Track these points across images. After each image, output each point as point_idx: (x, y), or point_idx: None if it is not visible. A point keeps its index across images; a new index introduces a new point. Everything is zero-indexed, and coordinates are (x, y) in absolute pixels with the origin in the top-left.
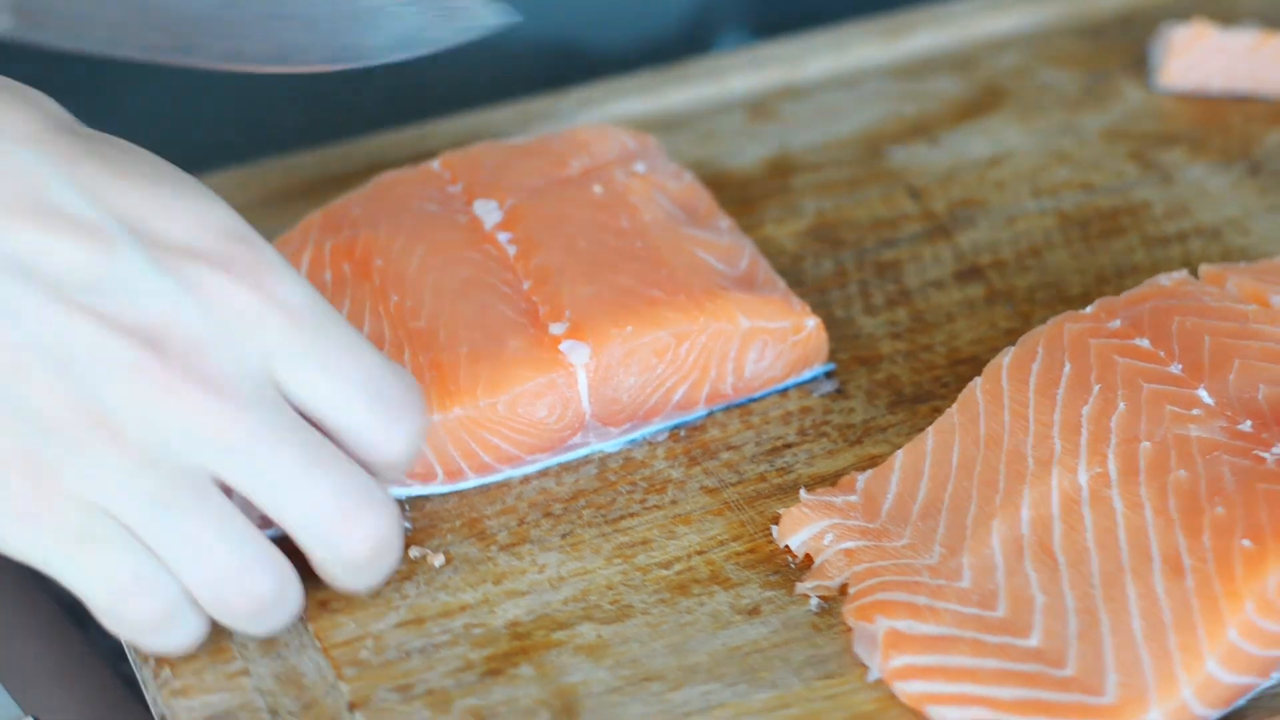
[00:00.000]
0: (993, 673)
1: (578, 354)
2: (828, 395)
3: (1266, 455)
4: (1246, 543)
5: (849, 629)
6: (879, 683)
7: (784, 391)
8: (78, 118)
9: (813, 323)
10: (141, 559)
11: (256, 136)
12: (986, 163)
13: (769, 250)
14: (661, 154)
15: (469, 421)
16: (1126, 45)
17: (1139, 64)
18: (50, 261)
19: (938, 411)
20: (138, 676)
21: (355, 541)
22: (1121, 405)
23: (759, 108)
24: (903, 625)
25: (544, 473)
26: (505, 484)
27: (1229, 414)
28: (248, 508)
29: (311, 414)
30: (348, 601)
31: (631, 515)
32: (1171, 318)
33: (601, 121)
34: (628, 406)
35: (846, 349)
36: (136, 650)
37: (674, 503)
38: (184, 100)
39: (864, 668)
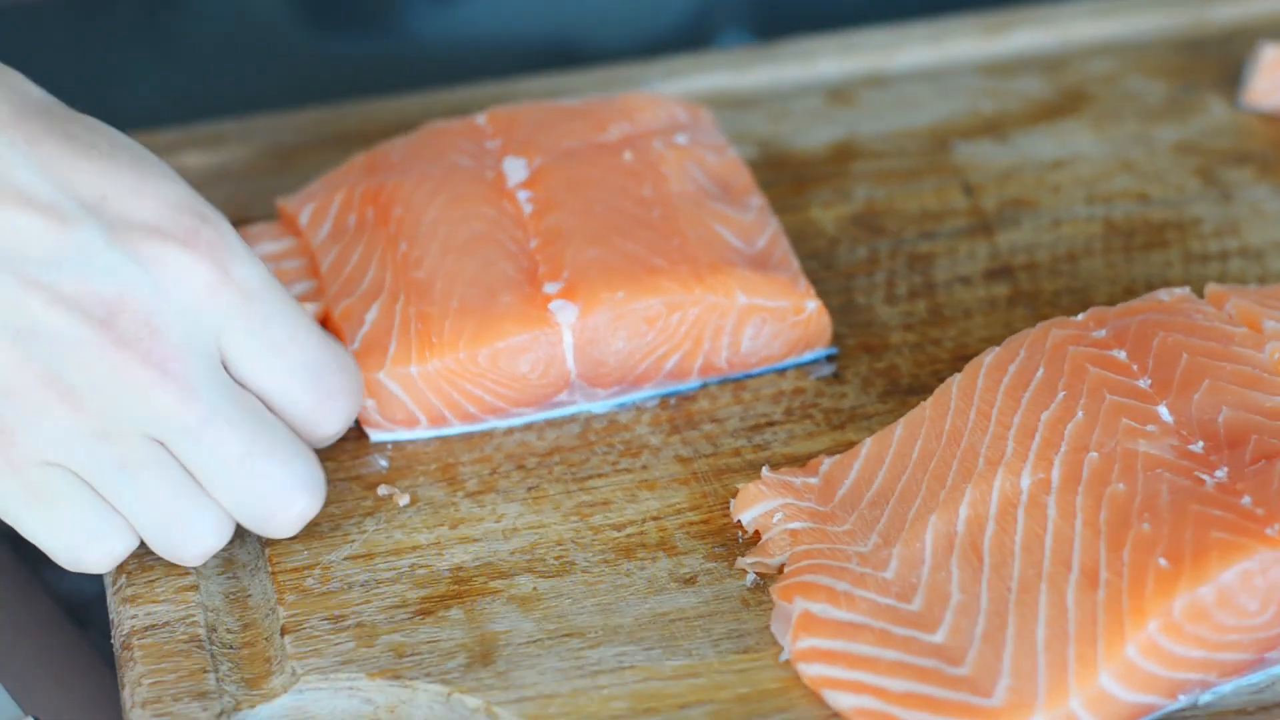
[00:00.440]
0: (890, 664)
1: (565, 313)
2: (824, 379)
3: (1208, 478)
4: (1163, 561)
5: (773, 607)
6: (789, 663)
7: (781, 371)
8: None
9: (813, 305)
10: (99, 512)
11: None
12: (1049, 165)
13: (809, 232)
14: (714, 128)
15: (448, 373)
16: (1224, 61)
17: (1231, 81)
18: (8, 238)
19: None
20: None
21: (285, 522)
22: (1080, 414)
23: (839, 93)
24: (817, 609)
25: (528, 427)
26: (488, 434)
27: (1183, 433)
28: None
29: (254, 389)
30: (306, 533)
31: (600, 475)
32: (1155, 332)
33: (683, 93)
34: (615, 370)
35: (856, 335)
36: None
37: (644, 468)
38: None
39: (780, 647)
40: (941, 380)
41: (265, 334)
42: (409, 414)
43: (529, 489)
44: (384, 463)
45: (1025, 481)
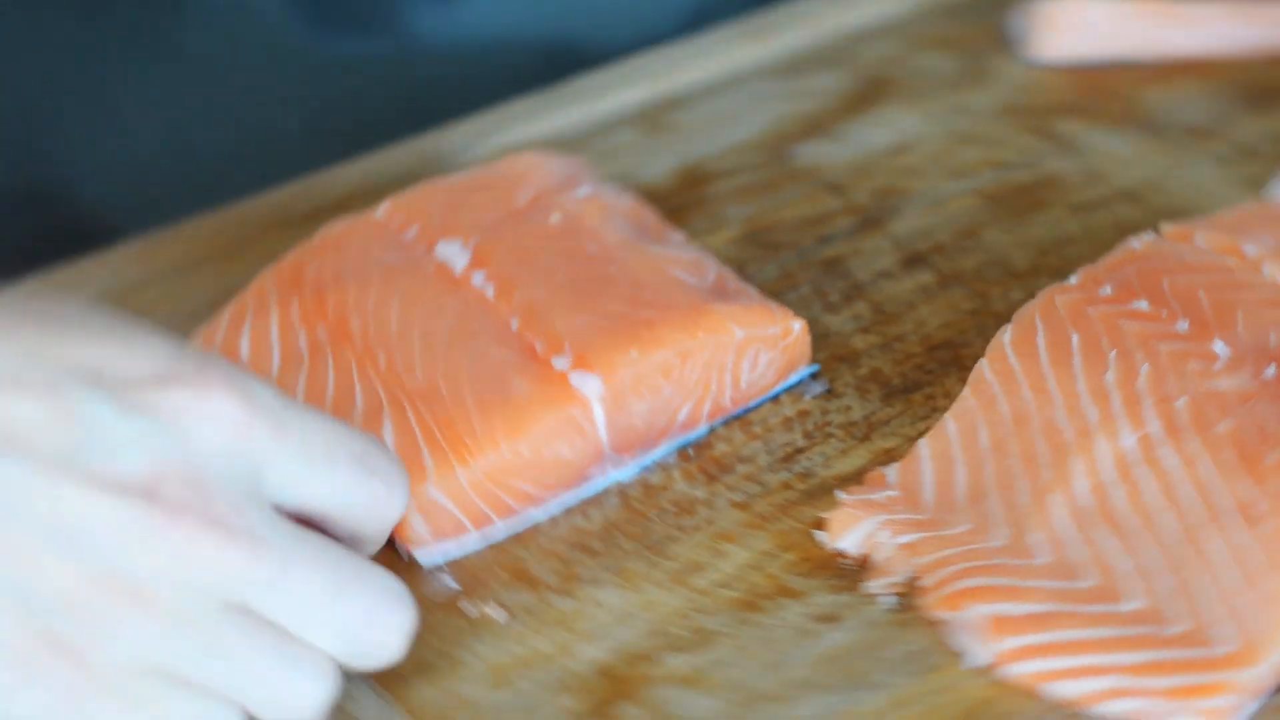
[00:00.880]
0: (1108, 641)
1: (589, 385)
2: (819, 396)
3: None
4: None
5: (932, 621)
6: (985, 668)
7: (775, 398)
8: None
9: (799, 325)
10: (201, 703)
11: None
12: (893, 151)
13: None
14: (593, 175)
15: (493, 471)
16: (988, 24)
17: (1004, 41)
18: (21, 434)
19: (931, 399)
20: None
21: (393, 644)
22: (1145, 367)
23: (650, 120)
24: (1001, 609)
25: (568, 511)
26: (534, 528)
27: (1250, 362)
28: None
29: (310, 511)
30: (421, 671)
31: (672, 540)
32: (1160, 278)
33: (496, 152)
34: (641, 432)
35: (821, 349)
36: None
37: (709, 522)
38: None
39: (962, 656)
40: (928, 372)
41: (307, 451)
42: (457, 524)
43: (612, 570)
44: (452, 583)
45: (1128, 441)
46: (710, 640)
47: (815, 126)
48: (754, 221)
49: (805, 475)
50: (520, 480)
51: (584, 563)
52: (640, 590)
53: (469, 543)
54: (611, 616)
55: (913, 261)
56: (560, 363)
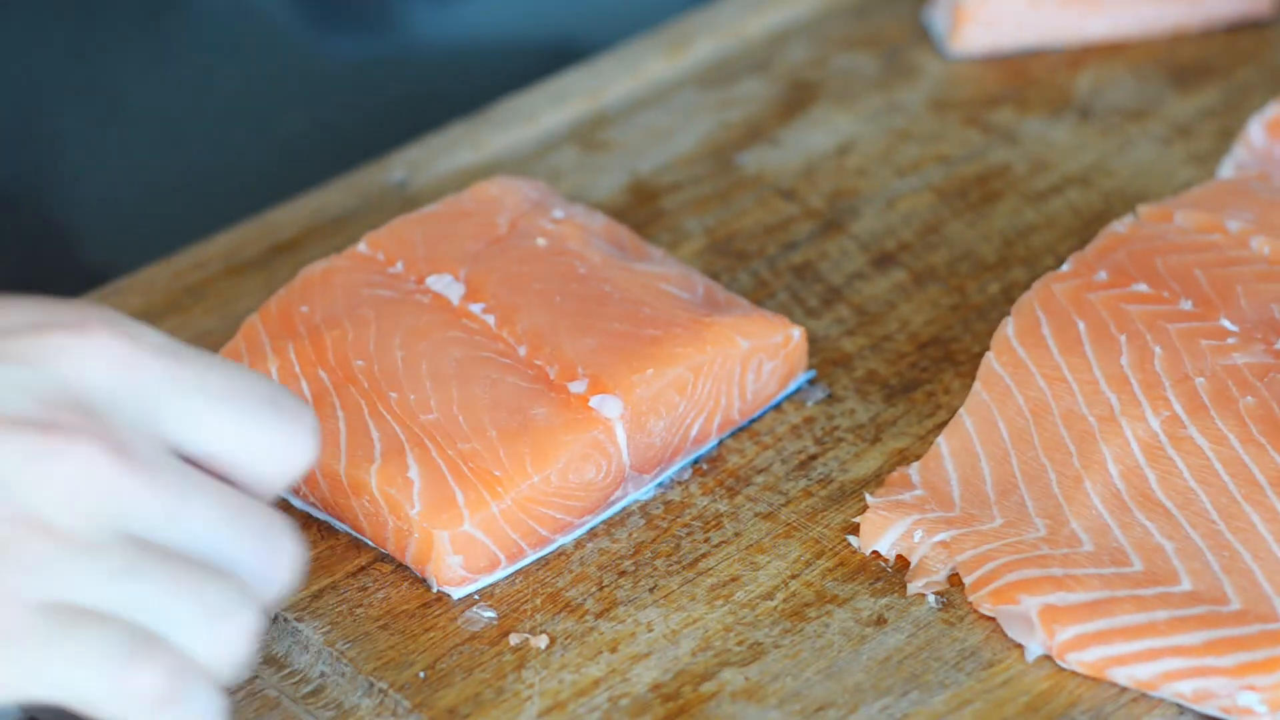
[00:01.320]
0: (1168, 622)
1: (610, 407)
2: (821, 402)
3: None
4: None
5: (982, 616)
6: (1043, 659)
7: (778, 407)
8: None
9: (798, 333)
10: (126, 629)
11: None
12: (836, 153)
13: None
14: (559, 197)
15: (524, 501)
16: (901, 20)
17: (919, 36)
18: None
19: (932, 396)
20: None
21: (283, 581)
22: (1157, 349)
23: (587, 139)
24: (1054, 599)
25: (593, 534)
26: (559, 554)
27: (1259, 336)
28: None
29: (208, 452)
30: (475, 705)
31: (705, 556)
32: (1152, 259)
33: (438, 181)
34: (659, 450)
35: (812, 354)
36: None
37: (738, 535)
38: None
39: (1018, 649)
40: (923, 370)
41: (205, 388)
42: (491, 556)
43: (650, 590)
44: (490, 614)
45: (1154, 423)
46: (762, 653)
47: (753, 133)
48: (715, 232)
49: (824, 481)
50: (550, 508)
51: (620, 585)
52: (682, 608)
53: (499, 573)
54: (659, 636)
55: (883, 261)
56: (577, 387)
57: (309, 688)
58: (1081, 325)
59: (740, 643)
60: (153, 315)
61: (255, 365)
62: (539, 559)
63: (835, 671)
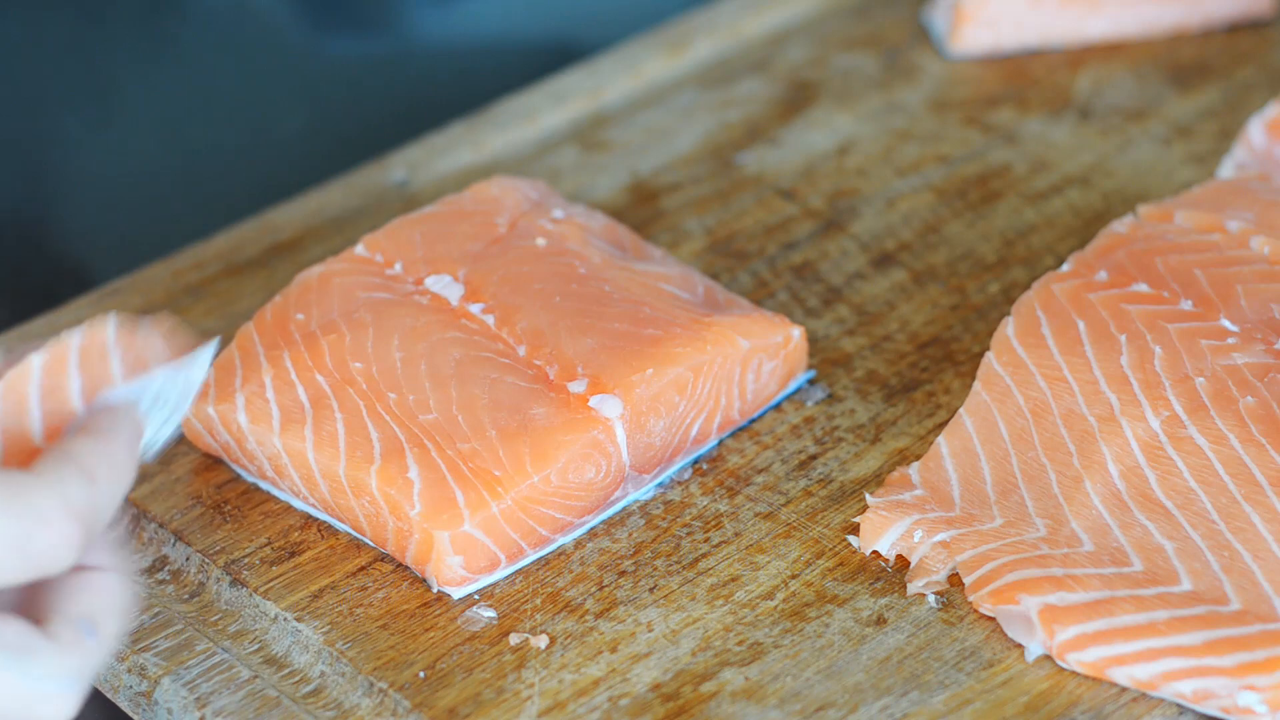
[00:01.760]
0: (1168, 622)
1: (610, 407)
2: (821, 403)
3: None
4: None
5: (982, 616)
6: (1043, 659)
7: (778, 407)
8: None
9: (797, 333)
10: None
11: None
12: (836, 153)
13: None
14: (559, 197)
15: (525, 501)
16: (900, 20)
17: (919, 36)
18: None
19: (932, 396)
20: None
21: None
22: (1157, 350)
23: (587, 139)
24: (1054, 599)
25: (593, 534)
26: (560, 553)
27: (1258, 336)
28: None
29: None
30: (475, 705)
31: (705, 556)
32: (1153, 259)
33: (438, 181)
34: (659, 450)
35: (812, 354)
36: None
37: (738, 535)
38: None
39: (1018, 648)
40: (923, 370)
41: None
42: (492, 556)
43: (650, 590)
44: (490, 613)
45: (1154, 423)
46: (762, 653)
47: (753, 133)
48: (716, 232)
49: (824, 481)
50: (550, 508)
51: (620, 585)
52: (682, 608)
53: (498, 573)
54: (659, 636)
55: (882, 261)
56: (576, 386)
57: (309, 688)
58: (1081, 325)
59: (740, 643)
60: (153, 315)
61: (249, 375)
62: (539, 559)
63: (835, 671)
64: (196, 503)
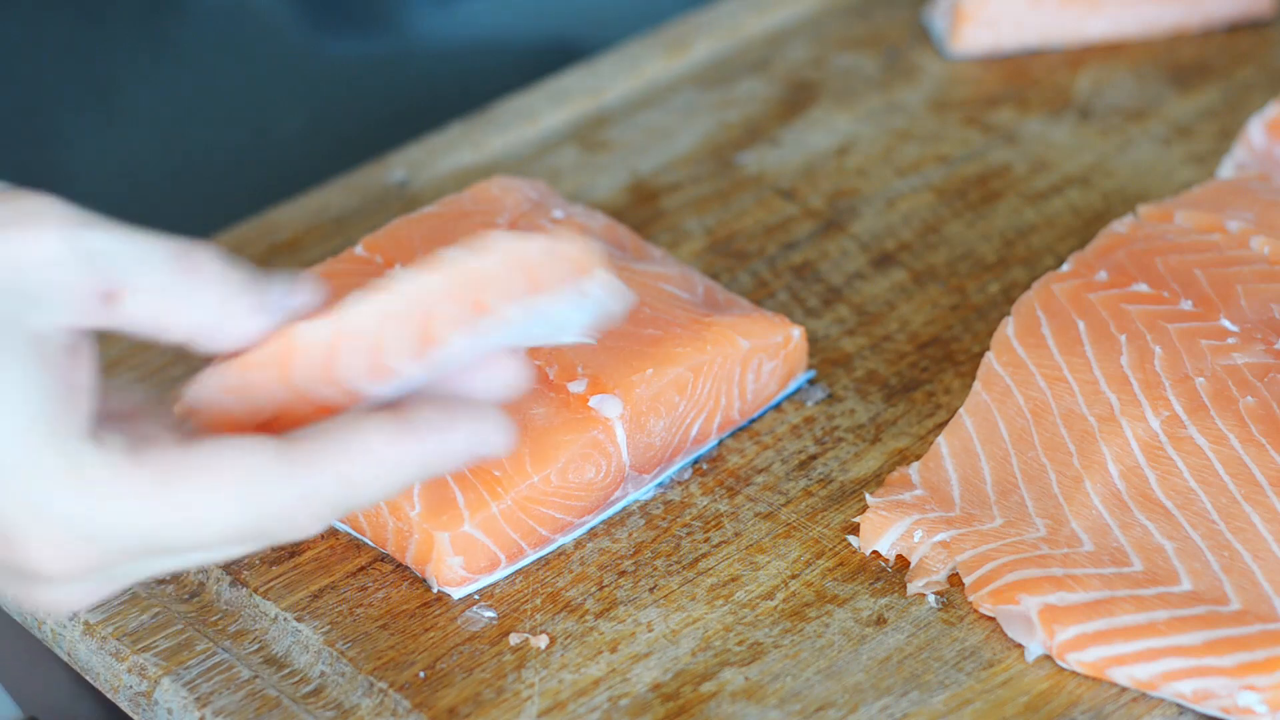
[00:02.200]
0: (1168, 622)
1: (610, 407)
2: (821, 403)
3: None
4: None
5: (982, 616)
6: (1043, 659)
7: (778, 407)
8: None
9: (797, 333)
10: None
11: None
12: (835, 153)
13: None
14: (559, 197)
15: (524, 501)
16: (900, 20)
17: (919, 36)
18: None
19: (932, 396)
20: None
21: None
22: (1157, 350)
23: (587, 139)
24: (1054, 599)
25: (593, 534)
26: (560, 553)
27: (1259, 337)
28: None
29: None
30: (475, 705)
31: (705, 556)
32: (1153, 259)
33: (438, 181)
34: (659, 450)
35: (812, 354)
36: None
37: (738, 535)
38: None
39: (1018, 648)
40: (924, 370)
41: None
42: (491, 556)
43: (650, 590)
44: (490, 614)
45: (1154, 423)
46: (762, 653)
47: (753, 133)
48: (716, 232)
49: (824, 481)
50: (550, 507)
51: (620, 585)
52: (682, 608)
53: (498, 573)
54: (659, 636)
55: (882, 261)
56: (576, 386)
57: (309, 688)
58: (1081, 325)
59: (740, 643)
60: None
61: None
62: (539, 559)
63: (835, 671)
64: None
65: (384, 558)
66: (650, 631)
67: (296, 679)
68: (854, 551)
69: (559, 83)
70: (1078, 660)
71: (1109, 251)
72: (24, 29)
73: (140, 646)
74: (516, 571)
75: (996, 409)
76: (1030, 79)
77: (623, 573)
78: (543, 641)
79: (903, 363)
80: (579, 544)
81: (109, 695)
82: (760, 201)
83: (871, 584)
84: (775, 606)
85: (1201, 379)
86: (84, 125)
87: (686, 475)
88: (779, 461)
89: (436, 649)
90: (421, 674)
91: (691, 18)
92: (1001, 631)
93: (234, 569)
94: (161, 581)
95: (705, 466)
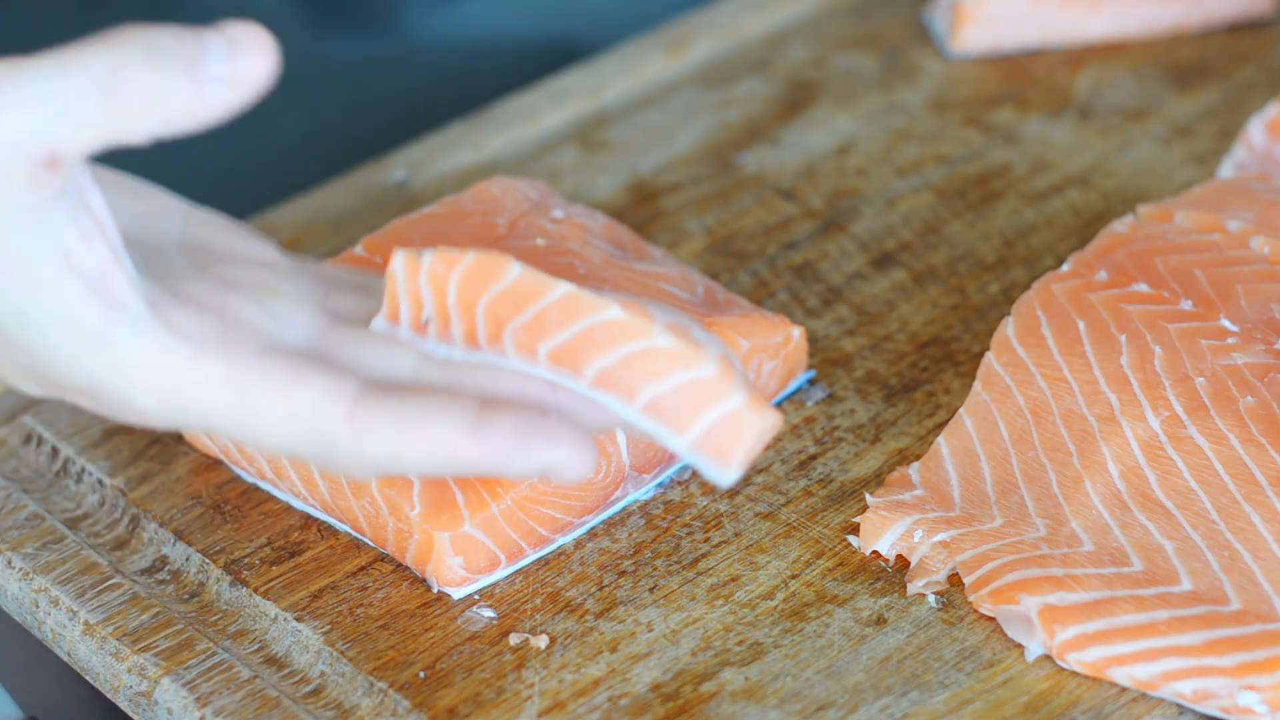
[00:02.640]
0: (1168, 622)
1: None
2: (821, 403)
3: None
4: None
5: (982, 616)
6: (1043, 659)
7: (778, 406)
8: None
9: (797, 333)
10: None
11: None
12: (835, 153)
13: None
14: (559, 197)
15: (524, 501)
16: (900, 19)
17: (919, 36)
18: None
19: (932, 396)
20: None
21: None
22: (1157, 350)
23: (587, 139)
24: (1053, 599)
25: (593, 534)
26: (560, 553)
27: (1259, 337)
28: None
29: None
30: (475, 705)
31: (705, 556)
32: (1153, 259)
33: (438, 181)
34: (660, 450)
35: (812, 354)
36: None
37: (738, 535)
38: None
39: (1018, 648)
40: (924, 370)
41: None
42: (491, 556)
43: (650, 590)
44: (490, 614)
45: (1154, 423)
46: (762, 653)
47: (753, 133)
48: (716, 232)
49: (824, 481)
50: (550, 508)
51: (620, 585)
52: (682, 608)
53: (498, 573)
54: (659, 636)
55: (882, 261)
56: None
57: (309, 688)
58: (1081, 325)
59: (740, 643)
60: None
61: None
62: (539, 559)
63: (835, 671)
64: (196, 503)
65: (384, 558)
66: (650, 631)
67: (296, 679)
68: (854, 551)
69: (559, 83)
70: (1078, 660)
71: (1109, 251)
72: (24, 29)
73: (140, 646)
74: (516, 571)
75: (996, 409)
76: (1030, 79)
77: (623, 573)
78: (543, 641)
79: (903, 363)
80: (579, 544)
81: (109, 695)
82: (760, 201)
83: (871, 584)
84: (775, 606)
85: (1201, 379)
86: None
87: (686, 475)
88: (779, 461)
89: (436, 649)
90: (421, 674)
91: (691, 18)
92: (1001, 631)
93: (234, 569)
94: (161, 581)
95: None
